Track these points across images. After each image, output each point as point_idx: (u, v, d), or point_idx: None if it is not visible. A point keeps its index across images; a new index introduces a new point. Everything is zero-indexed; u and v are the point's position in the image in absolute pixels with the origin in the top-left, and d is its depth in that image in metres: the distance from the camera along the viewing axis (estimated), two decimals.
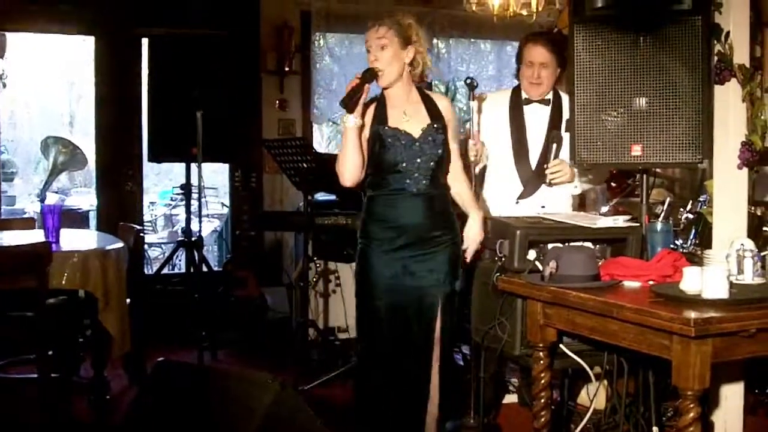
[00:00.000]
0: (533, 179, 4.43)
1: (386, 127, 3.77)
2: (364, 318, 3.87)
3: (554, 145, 4.28)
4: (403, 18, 3.83)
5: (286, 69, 7.61)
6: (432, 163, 3.77)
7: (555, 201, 4.44)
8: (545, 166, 4.29)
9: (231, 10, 7.41)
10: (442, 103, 3.91)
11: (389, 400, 3.80)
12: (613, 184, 5.64)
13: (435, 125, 3.80)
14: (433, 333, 3.79)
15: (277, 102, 7.67)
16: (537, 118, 4.48)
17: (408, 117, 3.80)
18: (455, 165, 3.91)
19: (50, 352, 4.65)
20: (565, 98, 4.46)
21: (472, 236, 3.89)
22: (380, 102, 3.86)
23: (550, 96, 4.49)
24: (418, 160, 3.75)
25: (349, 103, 3.64)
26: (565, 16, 4.87)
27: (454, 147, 3.90)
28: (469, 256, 3.89)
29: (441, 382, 3.83)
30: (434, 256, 3.79)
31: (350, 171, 3.75)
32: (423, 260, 3.78)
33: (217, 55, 6.37)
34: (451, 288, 3.82)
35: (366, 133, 3.79)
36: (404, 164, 3.74)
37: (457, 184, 3.92)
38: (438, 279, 3.78)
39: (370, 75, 3.69)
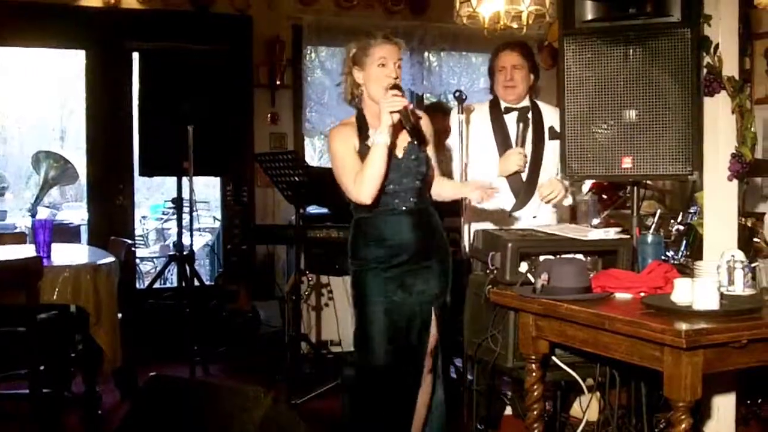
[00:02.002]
0: (524, 190, 4.45)
1: (369, 149, 3.73)
2: (361, 335, 3.86)
3: (521, 125, 4.37)
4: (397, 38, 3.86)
5: (278, 83, 7.63)
6: (418, 182, 3.81)
7: (546, 211, 4.49)
8: (539, 185, 4.38)
9: (222, 24, 7.43)
10: (422, 120, 3.89)
11: (383, 414, 3.81)
12: (604, 197, 5.65)
13: (416, 142, 3.79)
14: (426, 346, 3.83)
15: (269, 115, 7.69)
16: None
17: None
18: (435, 174, 3.97)
19: (41, 368, 4.63)
20: (543, 107, 4.51)
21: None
22: (359, 121, 3.86)
23: (527, 103, 4.52)
24: (405, 180, 3.77)
25: (411, 123, 3.63)
26: (555, 29, 4.88)
27: (432, 158, 3.93)
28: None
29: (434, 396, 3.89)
30: (428, 270, 3.83)
31: (377, 188, 3.69)
32: (417, 275, 3.81)
33: (208, 69, 6.38)
34: (445, 300, 3.88)
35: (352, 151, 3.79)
36: (391, 186, 3.75)
37: (437, 185, 3.96)
38: (433, 292, 3.83)
39: (402, 90, 3.68)
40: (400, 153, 3.79)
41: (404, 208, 3.78)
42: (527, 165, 4.44)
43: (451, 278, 3.92)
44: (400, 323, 3.79)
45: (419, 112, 3.91)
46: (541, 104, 4.56)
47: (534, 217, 4.40)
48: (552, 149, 4.42)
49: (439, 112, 6.42)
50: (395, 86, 3.67)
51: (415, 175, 3.79)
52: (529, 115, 4.49)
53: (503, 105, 4.52)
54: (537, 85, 4.62)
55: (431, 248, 3.84)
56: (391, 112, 3.60)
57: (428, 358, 3.86)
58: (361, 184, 3.69)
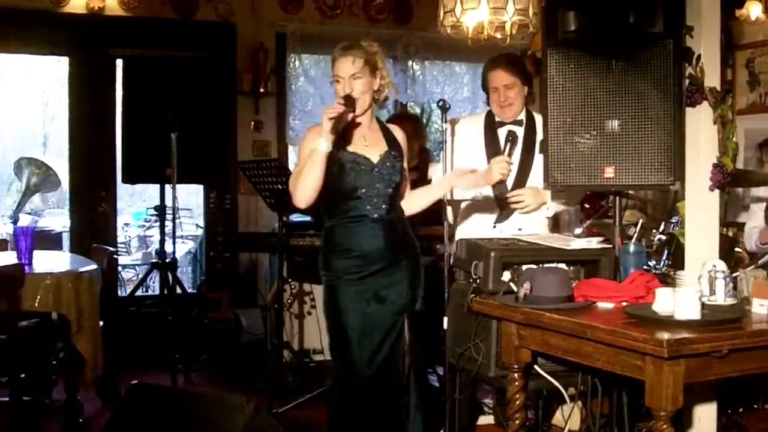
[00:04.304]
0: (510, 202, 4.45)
1: (345, 152, 3.78)
2: (338, 348, 3.87)
3: (509, 144, 4.36)
4: (370, 46, 3.86)
5: (262, 90, 7.61)
6: (390, 189, 3.82)
7: (532, 223, 4.45)
8: (508, 194, 4.37)
9: (206, 32, 7.42)
10: (399, 134, 3.99)
11: (366, 425, 3.81)
12: (586, 206, 5.67)
13: (393, 152, 3.86)
14: (403, 353, 3.83)
15: (252, 123, 7.67)
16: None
17: (367, 143, 3.85)
18: (406, 188, 4.02)
19: (22, 375, 4.60)
20: (538, 118, 4.49)
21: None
22: None
23: (522, 116, 4.52)
24: (378, 185, 3.79)
25: (337, 131, 3.64)
26: (539, 40, 4.90)
27: (406, 176, 3.98)
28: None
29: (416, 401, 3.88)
30: (399, 279, 3.83)
31: (310, 194, 3.74)
32: (389, 284, 3.81)
33: (192, 77, 6.36)
34: (415, 307, 3.87)
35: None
36: (363, 190, 3.77)
37: (407, 199, 4.00)
38: (404, 302, 3.83)
39: (351, 102, 3.70)
40: (375, 158, 3.81)
41: (375, 215, 3.79)
42: (514, 176, 4.44)
43: (422, 286, 3.92)
44: (376, 335, 3.78)
45: (394, 127, 4.03)
46: (536, 115, 4.53)
47: (519, 229, 4.38)
48: (541, 162, 4.42)
49: (405, 121, 6.41)
50: (346, 96, 3.72)
51: (388, 181, 3.82)
52: (520, 132, 4.48)
53: (498, 119, 4.52)
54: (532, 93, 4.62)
55: (401, 257, 3.85)
56: (330, 118, 3.62)
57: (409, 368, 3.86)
58: (295, 188, 3.76)
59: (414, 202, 4.01)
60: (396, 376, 3.83)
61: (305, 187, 3.72)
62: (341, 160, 3.75)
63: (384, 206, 3.80)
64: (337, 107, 3.66)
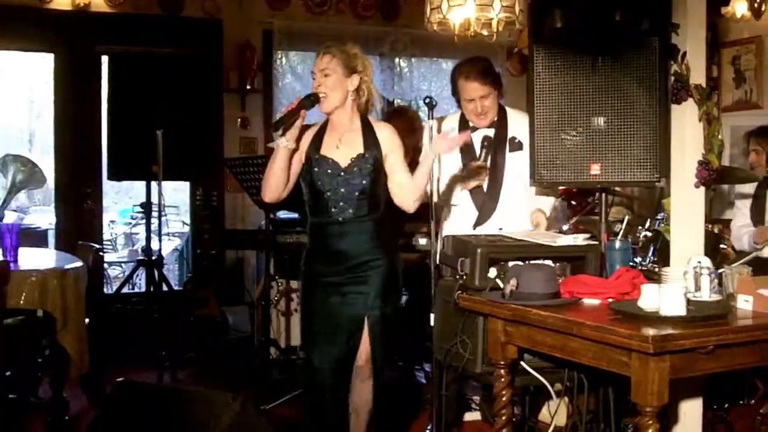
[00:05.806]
0: (487, 203, 4.45)
1: (317, 154, 3.84)
2: (305, 343, 4.06)
3: (484, 150, 4.40)
4: (350, 47, 3.89)
5: (248, 87, 7.61)
6: (357, 193, 3.82)
7: (511, 223, 4.44)
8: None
9: (193, 28, 7.40)
10: (383, 133, 3.91)
11: (326, 421, 3.90)
12: (573, 203, 5.68)
13: (366, 155, 3.84)
14: (354, 357, 3.87)
15: (239, 120, 7.67)
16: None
17: (341, 145, 3.86)
18: (401, 182, 3.93)
19: (8, 373, 4.59)
20: (511, 113, 4.49)
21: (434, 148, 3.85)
22: (322, 127, 3.93)
23: (495, 116, 4.51)
24: (342, 190, 3.81)
25: (281, 126, 3.69)
26: (525, 36, 4.91)
27: (399, 174, 3.89)
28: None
29: (375, 407, 3.93)
30: (366, 280, 3.85)
31: (272, 190, 3.85)
32: (355, 284, 3.85)
33: (178, 74, 6.35)
34: (380, 312, 3.86)
35: (302, 156, 3.89)
36: (328, 193, 3.82)
37: (402, 193, 3.89)
38: (365, 302, 3.84)
39: (309, 101, 3.76)
40: (344, 162, 3.83)
41: (341, 218, 3.83)
42: (488, 177, 4.44)
43: (396, 291, 3.97)
44: (332, 331, 3.85)
45: (381, 125, 3.99)
46: (509, 112, 4.51)
47: (500, 229, 4.38)
48: (514, 160, 4.41)
49: (401, 116, 6.39)
50: (306, 96, 3.79)
51: (354, 186, 3.82)
52: (492, 132, 4.48)
53: (471, 124, 4.50)
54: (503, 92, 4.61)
55: (368, 260, 3.85)
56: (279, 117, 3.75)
57: (365, 365, 3.88)
58: (262, 183, 3.89)
59: (407, 192, 3.88)
60: (347, 379, 3.89)
61: (267, 182, 3.85)
62: (311, 161, 3.84)
63: (350, 210, 3.83)
64: (291, 104, 3.75)
